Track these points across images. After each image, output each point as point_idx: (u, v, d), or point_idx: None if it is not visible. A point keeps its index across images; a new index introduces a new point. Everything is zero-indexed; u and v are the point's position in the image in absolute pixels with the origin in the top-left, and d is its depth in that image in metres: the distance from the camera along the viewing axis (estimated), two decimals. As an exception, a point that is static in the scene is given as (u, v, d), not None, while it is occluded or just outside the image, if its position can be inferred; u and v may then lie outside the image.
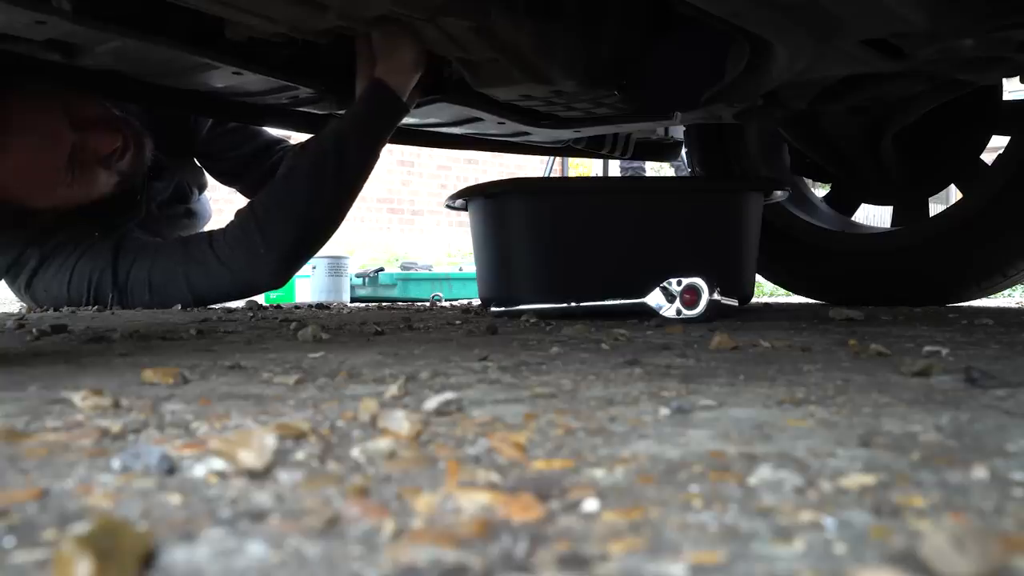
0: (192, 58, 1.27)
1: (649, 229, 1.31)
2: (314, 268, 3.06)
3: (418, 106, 1.51)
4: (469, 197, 1.42)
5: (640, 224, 1.31)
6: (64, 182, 1.57)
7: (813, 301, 1.97)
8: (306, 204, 1.45)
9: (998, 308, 1.81)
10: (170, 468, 0.34)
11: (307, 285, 3.12)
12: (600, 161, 5.90)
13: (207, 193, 2.12)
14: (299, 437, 0.40)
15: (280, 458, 0.36)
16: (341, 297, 3.04)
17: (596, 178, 5.53)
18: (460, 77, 1.38)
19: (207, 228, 2.13)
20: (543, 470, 0.35)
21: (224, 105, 1.58)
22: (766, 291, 3.09)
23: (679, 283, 1.18)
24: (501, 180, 1.47)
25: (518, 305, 1.31)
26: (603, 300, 1.25)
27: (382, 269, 3.39)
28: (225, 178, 2.07)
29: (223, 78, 1.38)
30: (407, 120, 1.58)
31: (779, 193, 1.44)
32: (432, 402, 0.48)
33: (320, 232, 1.50)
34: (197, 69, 1.34)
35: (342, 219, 1.49)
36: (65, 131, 1.54)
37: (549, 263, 1.31)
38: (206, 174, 2.08)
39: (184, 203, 1.98)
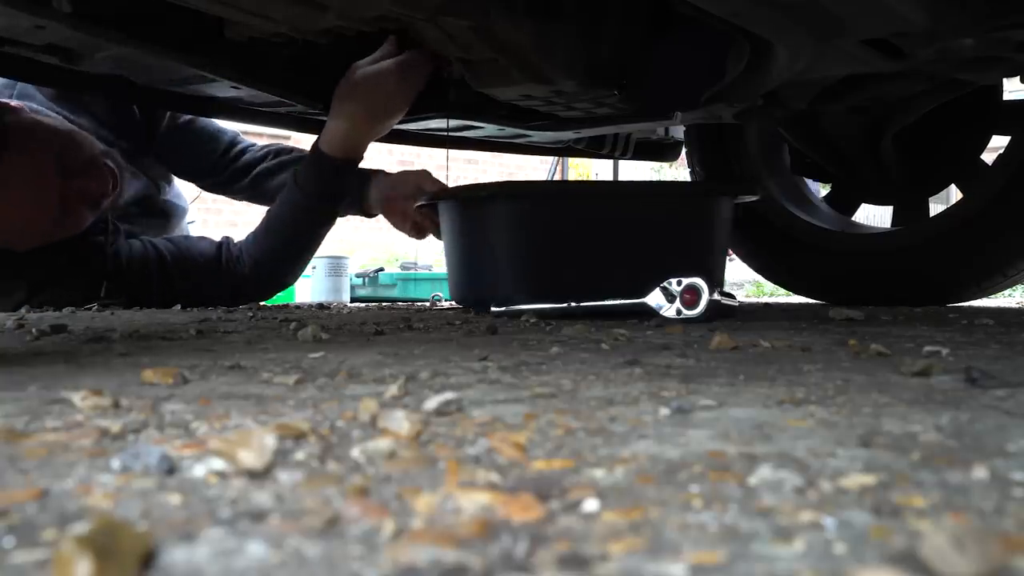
0: (191, 69, 1.29)
1: (623, 231, 1.31)
2: (314, 268, 3.06)
3: (416, 120, 1.56)
4: (449, 200, 1.42)
5: (617, 226, 1.31)
6: (51, 228, 1.62)
7: (813, 301, 1.97)
8: (285, 247, 1.78)
9: (998, 308, 1.81)
10: (170, 468, 0.34)
11: (307, 285, 3.13)
12: (602, 162, 5.90)
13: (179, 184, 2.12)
14: (299, 437, 0.40)
15: (280, 458, 0.36)
16: (341, 297, 3.04)
17: (577, 182, 5.57)
18: (460, 77, 1.38)
19: (190, 226, 2.17)
20: (543, 470, 0.35)
21: (225, 106, 1.59)
22: (766, 291, 3.09)
23: (679, 283, 1.18)
24: (488, 183, 1.49)
25: (499, 307, 1.31)
26: (602, 300, 1.25)
27: (382, 269, 3.39)
28: (183, 175, 2.08)
29: (222, 89, 1.40)
30: (406, 124, 1.59)
31: (749, 197, 1.44)
32: (432, 402, 0.48)
33: (298, 263, 1.84)
34: (198, 79, 1.35)
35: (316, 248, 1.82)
36: (55, 180, 1.58)
37: (528, 266, 1.32)
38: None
39: (154, 197, 1.98)
